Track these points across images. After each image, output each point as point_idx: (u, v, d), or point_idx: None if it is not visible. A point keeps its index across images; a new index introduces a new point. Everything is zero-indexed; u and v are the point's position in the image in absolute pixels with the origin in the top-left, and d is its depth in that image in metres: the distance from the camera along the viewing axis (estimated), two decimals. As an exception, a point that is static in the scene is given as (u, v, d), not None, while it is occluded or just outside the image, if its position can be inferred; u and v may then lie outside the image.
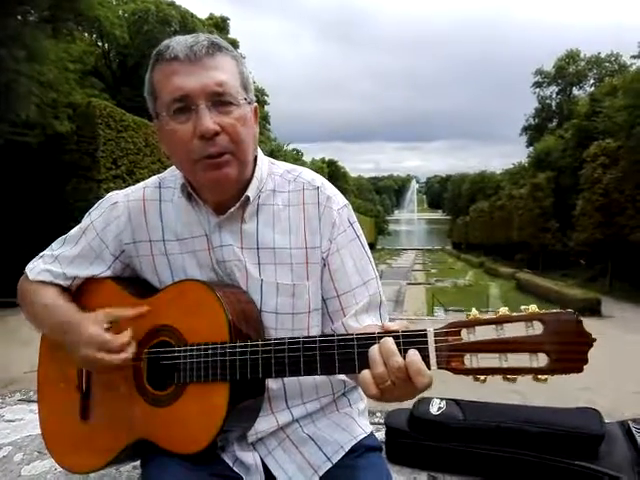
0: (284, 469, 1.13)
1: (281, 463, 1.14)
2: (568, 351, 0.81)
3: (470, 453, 1.52)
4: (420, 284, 29.97)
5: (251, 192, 1.14)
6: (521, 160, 51.38)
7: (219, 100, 1.04)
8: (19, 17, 13.63)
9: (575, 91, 50.94)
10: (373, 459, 1.19)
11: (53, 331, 1.20)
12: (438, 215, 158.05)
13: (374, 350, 0.89)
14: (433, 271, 41.25)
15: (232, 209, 1.13)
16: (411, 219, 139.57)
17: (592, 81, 48.99)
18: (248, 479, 1.12)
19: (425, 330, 0.88)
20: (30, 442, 1.78)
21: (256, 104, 1.17)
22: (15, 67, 11.96)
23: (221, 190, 1.11)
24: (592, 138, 26.98)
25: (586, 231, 25.17)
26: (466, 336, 0.86)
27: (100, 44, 26.67)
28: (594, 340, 0.81)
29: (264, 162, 1.21)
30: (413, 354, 0.86)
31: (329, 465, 1.13)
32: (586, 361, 0.81)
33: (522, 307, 0.84)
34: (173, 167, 1.25)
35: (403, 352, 0.88)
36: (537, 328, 0.82)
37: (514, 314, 0.84)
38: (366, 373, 0.89)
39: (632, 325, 15.69)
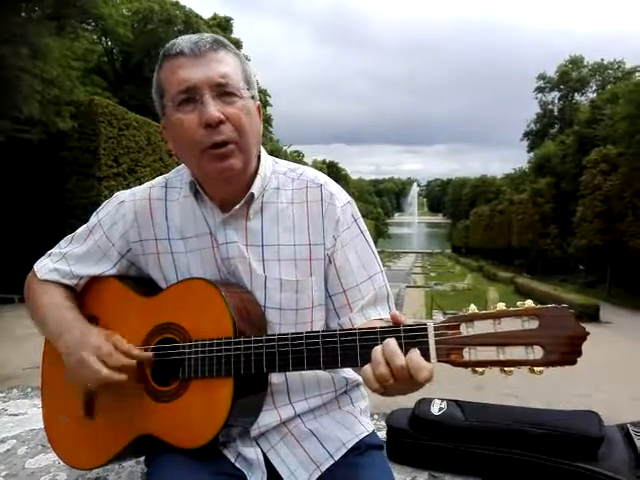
0: (286, 464, 1.14)
1: (284, 458, 1.15)
2: (563, 344, 0.84)
3: (470, 453, 1.53)
4: (419, 287, 30.00)
5: (255, 189, 1.15)
6: (522, 165, 51.67)
7: (223, 91, 1.07)
8: (23, 14, 13.65)
9: (577, 97, 51.07)
10: (375, 457, 1.20)
11: (55, 330, 1.20)
12: (438, 218, 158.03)
13: (377, 351, 0.91)
14: (432, 274, 41.32)
15: (237, 206, 1.14)
16: (411, 222, 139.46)
17: (595, 87, 49.09)
18: (250, 474, 1.12)
19: (425, 324, 0.91)
20: (34, 436, 1.79)
21: (259, 103, 1.18)
22: (18, 64, 11.97)
23: (227, 181, 1.12)
24: (593, 144, 27.06)
25: (586, 237, 25.21)
26: (465, 330, 0.89)
27: (103, 42, 26.73)
28: (587, 333, 0.84)
29: (267, 160, 1.23)
30: (412, 352, 0.89)
31: (331, 461, 1.14)
32: (580, 354, 0.84)
33: (518, 303, 0.87)
34: (178, 167, 1.27)
35: (404, 347, 0.90)
36: (533, 322, 0.86)
37: (511, 309, 0.87)
38: (369, 371, 0.90)
39: (630, 332, 15.69)
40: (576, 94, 51.15)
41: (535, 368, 0.85)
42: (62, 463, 1.25)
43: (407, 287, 28.56)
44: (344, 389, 1.26)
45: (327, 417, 1.22)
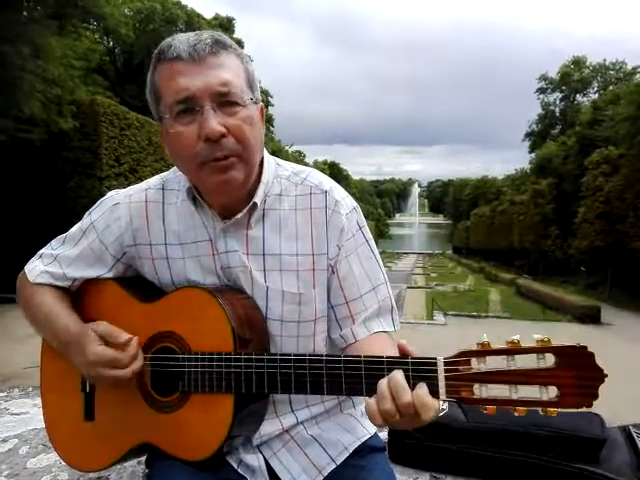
0: (289, 470, 1.13)
1: (286, 464, 1.14)
2: (580, 385, 0.80)
3: (472, 455, 1.53)
4: (420, 288, 30.00)
5: (258, 198, 1.11)
6: (523, 166, 51.65)
7: (224, 100, 1.00)
8: (25, 13, 13.68)
9: (579, 98, 50.96)
10: (377, 460, 1.17)
11: (54, 340, 1.18)
12: (439, 219, 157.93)
13: (383, 384, 0.87)
14: (433, 275, 41.27)
15: (239, 215, 1.10)
16: (412, 223, 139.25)
17: (596, 88, 49.01)
18: None
19: (435, 359, 0.87)
20: (35, 435, 1.80)
21: (262, 104, 1.11)
22: (20, 63, 11.98)
23: (227, 194, 1.07)
24: (594, 146, 27.06)
25: (587, 238, 25.22)
26: (476, 365, 0.84)
27: (105, 42, 26.76)
28: (606, 375, 0.79)
29: (270, 164, 1.17)
30: (420, 387, 0.85)
31: (333, 466, 1.13)
32: (597, 396, 0.80)
33: (535, 336, 0.82)
34: (176, 168, 1.21)
35: (412, 379, 0.87)
36: (549, 360, 0.81)
37: (526, 345, 0.82)
38: (373, 405, 0.87)
39: (631, 333, 15.69)
40: (578, 95, 51.01)
41: (549, 409, 0.81)
42: (63, 463, 1.25)
43: (408, 288, 28.55)
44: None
45: (329, 421, 1.21)
